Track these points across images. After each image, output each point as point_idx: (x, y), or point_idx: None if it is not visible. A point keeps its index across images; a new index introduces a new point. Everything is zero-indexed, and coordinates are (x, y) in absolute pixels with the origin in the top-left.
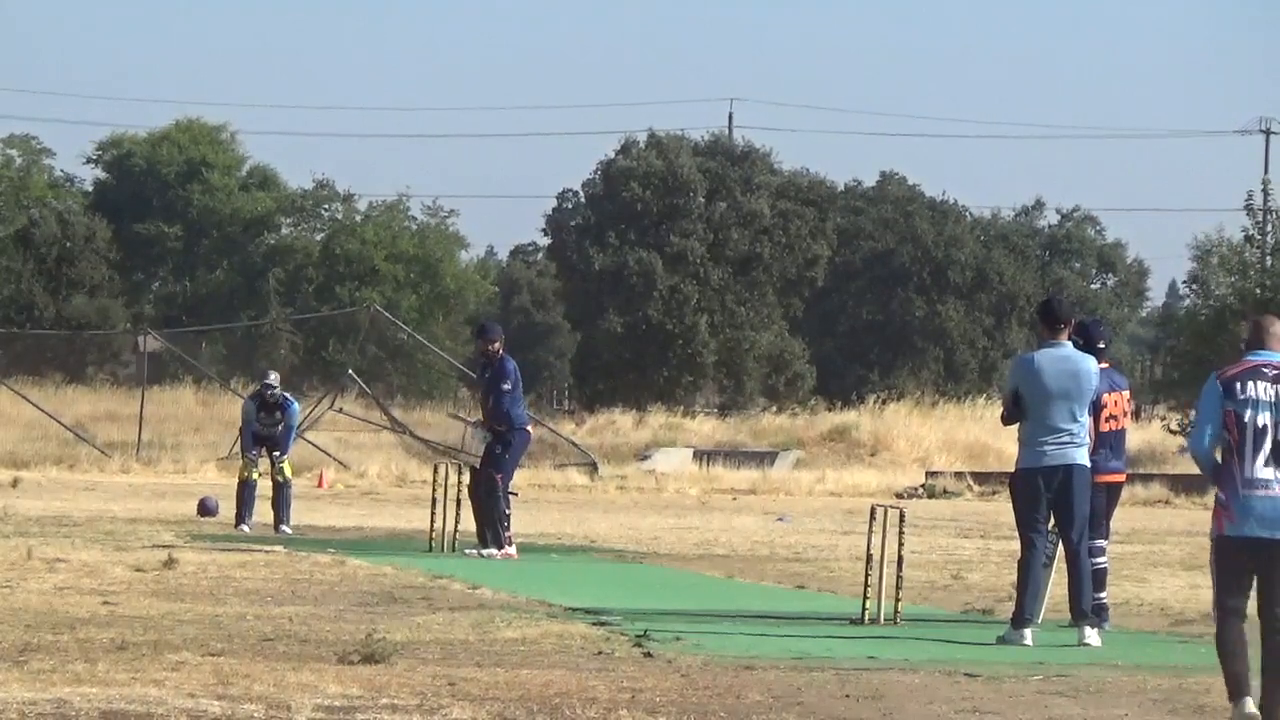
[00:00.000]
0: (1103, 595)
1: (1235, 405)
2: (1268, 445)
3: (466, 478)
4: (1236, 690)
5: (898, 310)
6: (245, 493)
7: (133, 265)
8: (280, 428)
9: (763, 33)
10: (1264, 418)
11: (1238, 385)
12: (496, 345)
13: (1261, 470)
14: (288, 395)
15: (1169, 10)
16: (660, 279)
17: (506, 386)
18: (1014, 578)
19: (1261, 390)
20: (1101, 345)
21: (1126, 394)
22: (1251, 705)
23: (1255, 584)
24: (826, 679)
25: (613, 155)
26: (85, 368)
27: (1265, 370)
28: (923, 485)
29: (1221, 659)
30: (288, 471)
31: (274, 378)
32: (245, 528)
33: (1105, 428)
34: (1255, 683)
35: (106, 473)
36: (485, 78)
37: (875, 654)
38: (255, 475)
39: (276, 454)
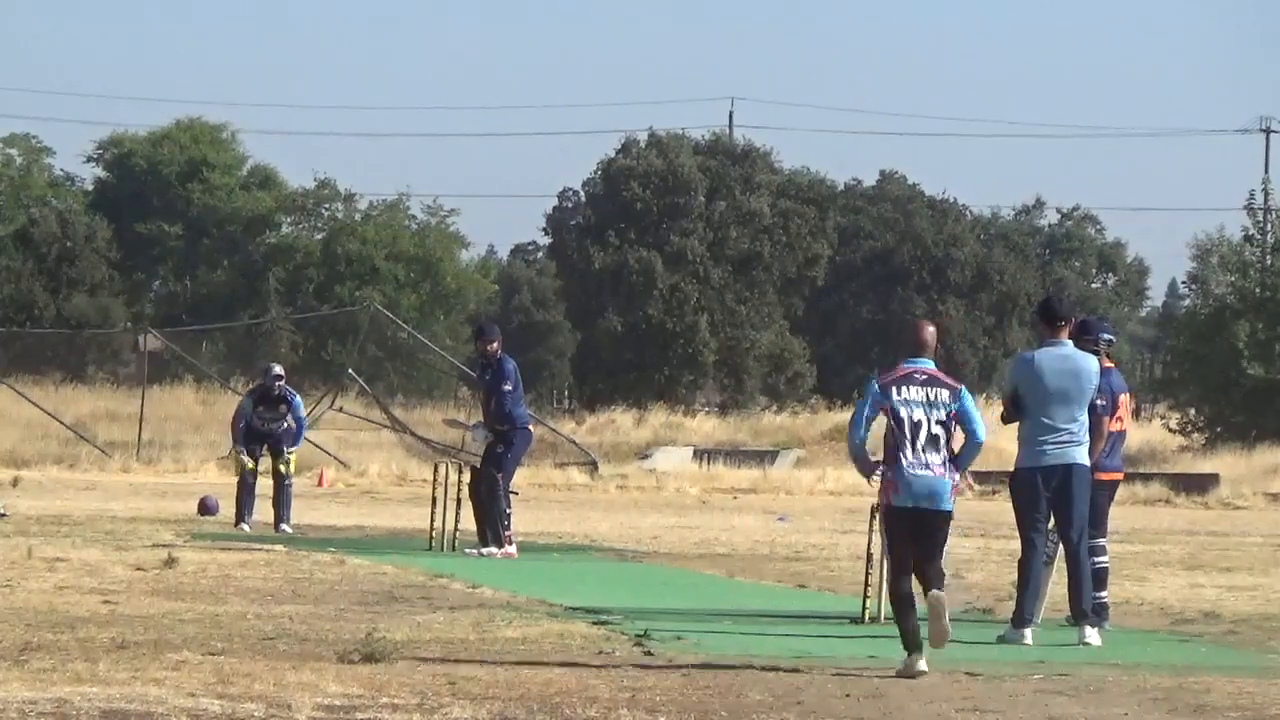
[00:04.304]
0: (1103, 594)
1: (894, 405)
2: (923, 436)
3: (466, 477)
4: (912, 645)
5: (898, 309)
6: (245, 492)
7: (133, 264)
8: (283, 423)
9: (763, 33)
10: (919, 414)
11: (894, 389)
12: (495, 346)
13: (920, 455)
14: (290, 389)
15: (1169, 10)
16: (660, 278)
17: (508, 387)
18: (1014, 577)
19: (913, 393)
20: (1109, 338)
21: (1127, 396)
22: (923, 663)
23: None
24: (826, 679)
25: (613, 154)
26: (85, 367)
27: (916, 376)
28: None
29: (897, 612)
30: (292, 466)
31: (279, 369)
32: (245, 527)
33: (1114, 428)
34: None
35: (107, 472)
36: (485, 77)
37: (875, 653)
38: (251, 465)
39: (285, 446)
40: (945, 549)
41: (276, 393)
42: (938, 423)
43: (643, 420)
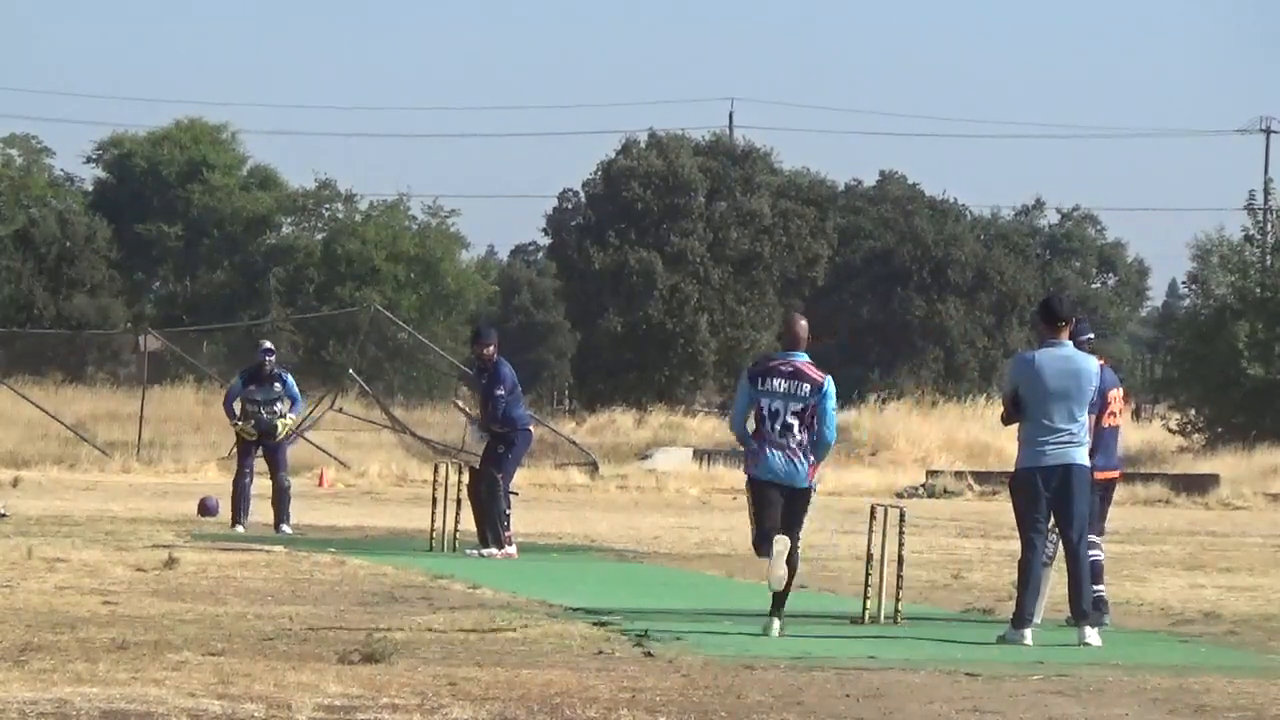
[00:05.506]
0: (1101, 587)
1: (759, 394)
2: (779, 424)
3: (466, 477)
4: (763, 543)
5: (898, 309)
6: (240, 493)
7: (133, 265)
8: (278, 406)
9: (763, 33)
10: (777, 404)
11: (760, 379)
12: (491, 349)
13: (774, 438)
14: (283, 369)
15: (1169, 10)
16: (660, 278)
17: (500, 391)
18: (1014, 577)
19: (776, 384)
20: (1088, 336)
21: (1120, 391)
22: (778, 627)
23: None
24: (827, 679)
25: (613, 155)
26: (85, 367)
27: (782, 368)
28: (923, 485)
29: (760, 553)
30: (284, 429)
31: (268, 344)
32: (241, 528)
33: (1105, 423)
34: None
35: (107, 472)
36: (485, 77)
37: (876, 654)
38: (253, 434)
39: (282, 448)
40: (805, 522)
41: (268, 369)
42: (793, 413)
43: (643, 420)
